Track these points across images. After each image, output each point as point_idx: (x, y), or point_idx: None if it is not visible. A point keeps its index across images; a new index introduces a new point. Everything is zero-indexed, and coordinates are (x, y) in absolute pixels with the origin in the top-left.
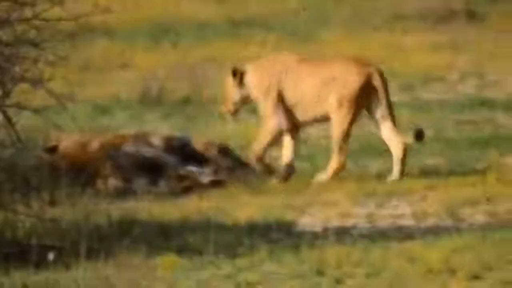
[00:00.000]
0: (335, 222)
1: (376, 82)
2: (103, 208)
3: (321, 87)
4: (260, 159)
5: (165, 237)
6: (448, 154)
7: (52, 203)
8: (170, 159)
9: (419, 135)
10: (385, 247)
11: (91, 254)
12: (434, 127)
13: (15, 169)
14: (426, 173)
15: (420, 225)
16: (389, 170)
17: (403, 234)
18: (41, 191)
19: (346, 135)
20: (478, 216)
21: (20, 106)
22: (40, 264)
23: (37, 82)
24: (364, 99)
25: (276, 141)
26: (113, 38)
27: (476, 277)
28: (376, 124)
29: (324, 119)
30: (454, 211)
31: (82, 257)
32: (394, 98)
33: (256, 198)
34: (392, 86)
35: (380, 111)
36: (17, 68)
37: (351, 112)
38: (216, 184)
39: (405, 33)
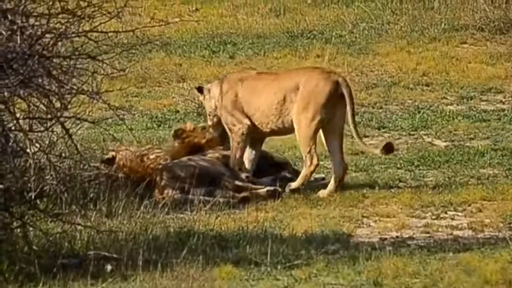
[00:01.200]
0: (392, 233)
1: (344, 90)
2: (161, 220)
3: (281, 98)
4: (241, 169)
5: (222, 248)
6: (505, 164)
7: (110, 214)
8: (227, 170)
9: (389, 149)
10: (442, 258)
11: (148, 265)
12: (492, 138)
13: (73, 180)
14: (483, 183)
15: (477, 236)
16: (446, 181)
17: (460, 245)
18: (98, 203)
19: (312, 138)
20: None
21: (78, 118)
22: (98, 275)
23: (94, 94)
24: (330, 106)
25: (246, 145)
26: (170, 50)
27: None
28: (329, 134)
29: (288, 131)
30: (511, 222)
31: (140, 268)
32: (452, 108)
33: (313, 210)
34: (450, 97)
35: (344, 120)
36: (75, 80)
37: (317, 117)
38: (273, 195)
39: (462, 44)
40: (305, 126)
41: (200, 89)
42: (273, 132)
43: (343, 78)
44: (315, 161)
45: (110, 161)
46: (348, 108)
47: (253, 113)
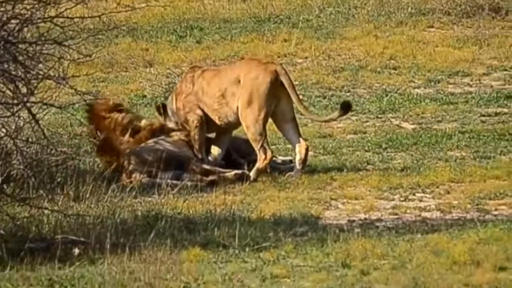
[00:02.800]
0: (360, 215)
1: (283, 78)
2: (128, 203)
3: (223, 91)
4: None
5: (190, 231)
6: (473, 146)
7: (77, 198)
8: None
9: (346, 107)
10: (410, 239)
11: (116, 248)
12: (459, 120)
13: (40, 165)
14: (451, 166)
15: (445, 217)
16: (414, 163)
17: (428, 226)
18: (66, 187)
19: (262, 132)
20: (504, 208)
21: (44, 103)
22: (66, 259)
23: (61, 80)
24: (273, 96)
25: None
26: (137, 35)
27: (501, 268)
28: (280, 122)
29: (235, 124)
30: (479, 203)
31: (107, 252)
32: (419, 91)
33: (281, 192)
34: (417, 80)
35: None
36: (41, 66)
37: (262, 110)
38: (241, 178)
39: (429, 28)
40: (253, 122)
41: (159, 109)
42: (225, 125)
43: (281, 66)
44: (269, 155)
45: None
46: (292, 95)
47: (203, 107)
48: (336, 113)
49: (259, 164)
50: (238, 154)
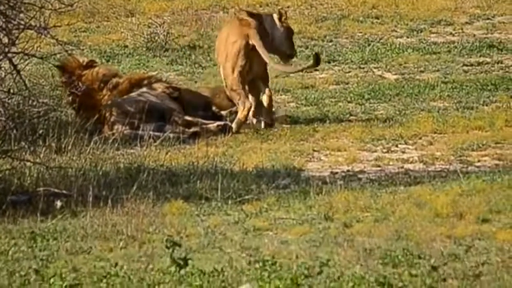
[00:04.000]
0: (343, 167)
1: (254, 40)
2: (110, 156)
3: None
4: None
5: (173, 184)
6: (456, 97)
7: (59, 150)
8: (176, 105)
9: (317, 60)
10: (393, 191)
11: (99, 201)
12: (442, 70)
13: (22, 116)
14: (433, 116)
15: (428, 169)
16: (397, 114)
17: (411, 178)
18: (48, 139)
19: (238, 85)
20: (486, 159)
21: (26, 54)
22: (48, 211)
23: (42, 29)
24: (245, 57)
25: None
26: None
27: (484, 220)
28: (254, 77)
29: None
30: (462, 155)
31: (89, 205)
32: (401, 40)
33: (264, 144)
34: (399, 30)
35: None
36: (22, 16)
37: (236, 67)
38: (223, 129)
39: None
40: (229, 75)
41: None
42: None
43: (254, 30)
44: (247, 105)
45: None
46: (262, 55)
47: None
48: (308, 64)
49: (239, 115)
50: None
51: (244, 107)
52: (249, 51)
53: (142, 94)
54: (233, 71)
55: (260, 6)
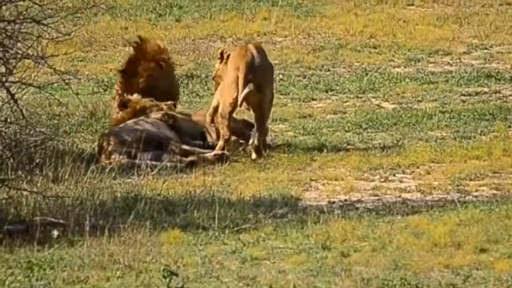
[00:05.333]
0: (340, 197)
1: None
2: (107, 185)
3: None
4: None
5: (170, 213)
6: (453, 126)
7: (56, 180)
8: (173, 133)
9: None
10: (390, 221)
11: (95, 230)
12: (440, 100)
13: (19, 146)
14: (431, 146)
15: (425, 198)
16: (395, 144)
17: (409, 208)
18: (45, 168)
19: (225, 114)
20: (484, 189)
21: (23, 83)
22: (44, 241)
23: (40, 59)
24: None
25: None
26: (116, 14)
27: (482, 250)
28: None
29: None
30: (460, 184)
31: (86, 234)
32: (399, 70)
33: (261, 173)
34: (397, 59)
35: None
36: (20, 45)
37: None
38: (221, 159)
39: (409, 6)
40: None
41: None
42: None
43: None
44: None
45: (125, 105)
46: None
47: None
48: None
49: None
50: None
51: (223, 138)
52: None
53: (138, 122)
54: (225, 100)
55: (258, 35)
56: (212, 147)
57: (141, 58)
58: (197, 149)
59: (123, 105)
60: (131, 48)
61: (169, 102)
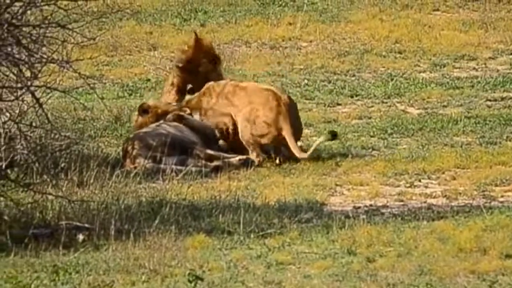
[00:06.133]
0: (366, 202)
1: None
2: (132, 189)
3: None
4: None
5: (195, 218)
6: (479, 132)
7: (81, 184)
8: (198, 138)
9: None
10: (416, 226)
11: (121, 235)
12: (465, 105)
13: (44, 150)
14: (457, 151)
15: (451, 204)
16: (420, 149)
17: (434, 213)
18: (70, 172)
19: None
20: (510, 194)
21: (48, 87)
22: (70, 245)
23: (65, 63)
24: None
25: None
26: (141, 18)
27: (508, 255)
28: None
29: None
30: (485, 189)
31: (112, 238)
32: (425, 75)
33: (286, 178)
34: (423, 64)
35: None
36: (45, 49)
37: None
38: (245, 163)
39: (435, 11)
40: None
41: None
42: None
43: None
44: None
45: (146, 111)
46: None
47: None
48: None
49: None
50: None
51: (256, 158)
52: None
53: (162, 126)
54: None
55: (283, 41)
56: (224, 150)
57: (198, 54)
58: (222, 154)
59: (144, 111)
60: (190, 42)
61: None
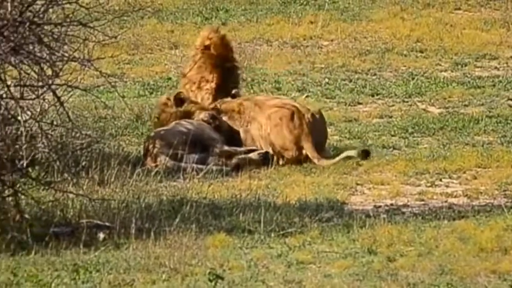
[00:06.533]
0: (386, 201)
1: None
2: (153, 188)
3: None
4: None
5: (216, 216)
6: (500, 131)
7: (102, 182)
8: (218, 135)
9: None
10: (436, 225)
11: (141, 233)
12: (487, 104)
13: (65, 148)
14: (478, 151)
15: (472, 203)
16: (441, 148)
17: (455, 212)
18: (91, 171)
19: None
20: None
21: (69, 85)
22: (90, 243)
23: (86, 61)
24: None
25: None
26: (162, 17)
27: None
28: None
29: None
30: (507, 189)
31: (132, 237)
32: (446, 74)
33: (307, 177)
34: (444, 63)
35: None
36: (66, 48)
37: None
38: (265, 157)
39: (457, 10)
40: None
41: None
42: None
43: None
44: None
45: (182, 101)
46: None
47: None
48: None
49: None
50: None
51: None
52: None
53: (182, 124)
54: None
55: (304, 39)
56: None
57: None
58: (240, 149)
59: (180, 100)
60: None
61: (215, 104)
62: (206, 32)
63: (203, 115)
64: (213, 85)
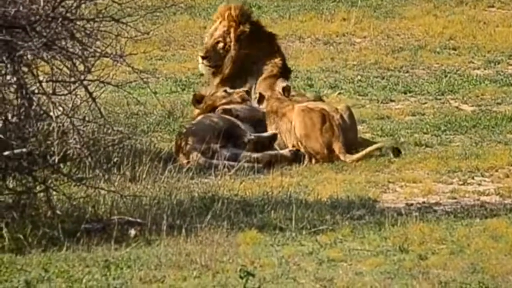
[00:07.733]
0: (418, 199)
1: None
2: (185, 184)
3: None
4: None
5: (247, 214)
6: None
7: (133, 179)
8: (247, 127)
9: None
10: (468, 224)
11: (172, 230)
12: None
13: (97, 144)
14: (510, 149)
15: (504, 202)
16: (473, 146)
17: (487, 211)
18: (122, 167)
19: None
20: None
21: (101, 81)
22: (122, 239)
23: (118, 57)
24: None
25: None
26: (195, 13)
27: None
28: None
29: None
30: None
31: (163, 233)
32: (479, 72)
33: (338, 175)
34: (477, 61)
35: None
36: (98, 43)
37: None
38: (296, 154)
39: (490, 8)
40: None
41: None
42: None
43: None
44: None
45: (199, 101)
46: None
47: None
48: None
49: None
50: None
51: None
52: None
53: (212, 119)
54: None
55: (336, 36)
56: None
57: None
58: (265, 134)
59: (197, 101)
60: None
61: (241, 90)
62: None
63: (220, 111)
64: None
